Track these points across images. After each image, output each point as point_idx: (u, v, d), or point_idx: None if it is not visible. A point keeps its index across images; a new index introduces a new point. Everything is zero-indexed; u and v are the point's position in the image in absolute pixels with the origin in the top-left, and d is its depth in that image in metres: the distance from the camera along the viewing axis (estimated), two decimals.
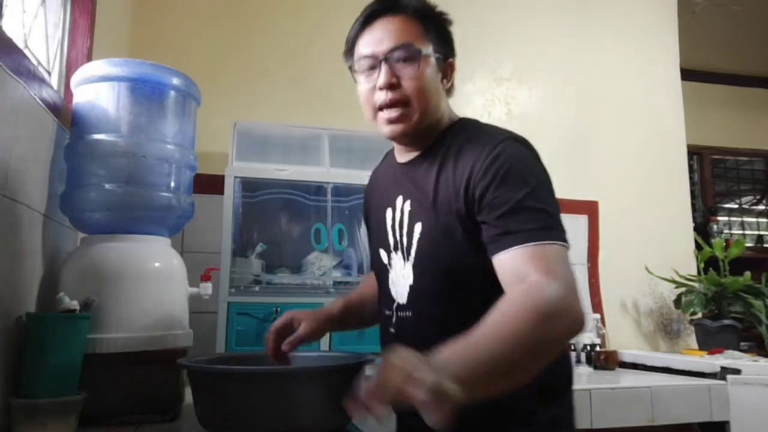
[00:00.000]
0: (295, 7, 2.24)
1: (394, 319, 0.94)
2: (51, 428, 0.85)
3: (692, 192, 2.98)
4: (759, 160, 3.78)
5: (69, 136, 1.16)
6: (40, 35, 1.29)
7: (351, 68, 0.93)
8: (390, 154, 1.04)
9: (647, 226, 2.43)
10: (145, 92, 1.14)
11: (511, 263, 0.77)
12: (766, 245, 3.68)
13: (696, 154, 3.49)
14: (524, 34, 2.47)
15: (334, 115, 2.10)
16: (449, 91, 0.95)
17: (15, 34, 1.10)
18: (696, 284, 2.20)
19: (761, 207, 3.80)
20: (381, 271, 0.98)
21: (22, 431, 0.85)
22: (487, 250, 0.80)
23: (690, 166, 2.78)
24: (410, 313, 0.91)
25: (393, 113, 0.87)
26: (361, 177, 1.70)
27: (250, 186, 1.67)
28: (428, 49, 0.88)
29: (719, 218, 3.46)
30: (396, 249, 0.94)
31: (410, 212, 0.91)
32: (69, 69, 1.38)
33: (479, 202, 0.81)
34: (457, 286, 0.85)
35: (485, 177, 0.81)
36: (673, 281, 2.26)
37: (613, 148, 2.48)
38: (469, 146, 0.86)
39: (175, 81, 1.18)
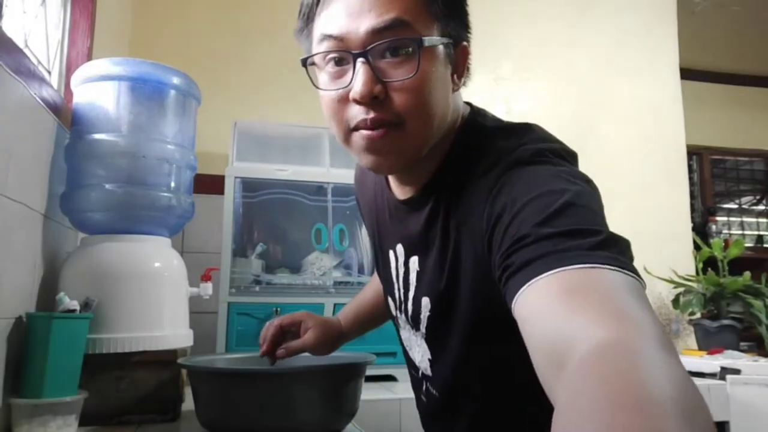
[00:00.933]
0: (295, 6, 2.23)
1: (423, 389, 0.76)
2: (51, 428, 0.85)
3: (691, 192, 2.98)
4: (759, 161, 3.78)
5: (69, 135, 1.16)
6: (40, 35, 1.28)
7: (305, 61, 0.61)
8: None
9: (646, 226, 2.43)
10: (145, 91, 1.14)
11: (535, 304, 0.43)
12: (765, 245, 3.69)
13: (695, 154, 3.49)
14: (524, 33, 2.47)
15: None
16: (459, 86, 0.65)
17: (15, 33, 1.10)
18: (695, 284, 2.20)
19: (761, 207, 3.80)
20: (393, 322, 0.81)
21: (23, 431, 0.85)
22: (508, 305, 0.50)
23: (689, 166, 2.78)
24: (438, 395, 0.72)
25: (376, 141, 0.57)
26: None
27: (250, 186, 1.67)
28: (433, 33, 0.57)
29: (718, 218, 3.46)
30: (401, 311, 0.74)
31: (419, 274, 0.67)
32: (69, 68, 1.38)
33: (497, 250, 0.53)
34: (483, 353, 0.63)
35: (493, 210, 0.55)
36: (672, 281, 2.26)
37: (613, 148, 2.48)
38: (476, 194, 0.58)
39: (176, 80, 1.18)
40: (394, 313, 0.77)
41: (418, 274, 0.67)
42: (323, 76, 0.60)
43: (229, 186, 1.59)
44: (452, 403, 0.69)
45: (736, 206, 3.76)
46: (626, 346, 0.32)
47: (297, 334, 0.90)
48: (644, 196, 2.47)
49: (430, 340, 0.68)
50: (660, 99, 2.61)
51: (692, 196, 3.08)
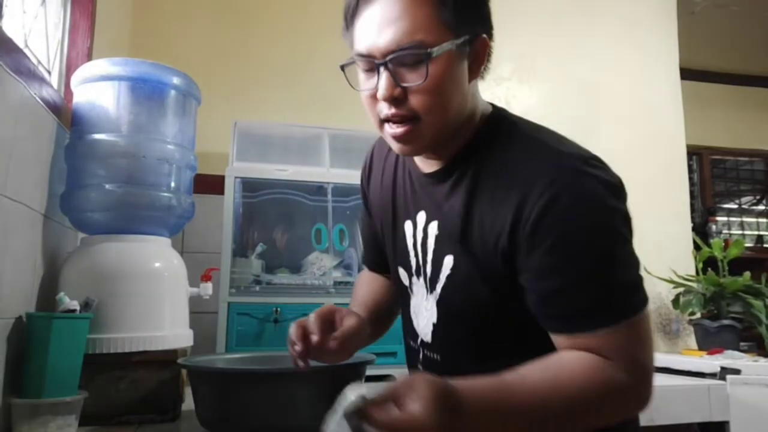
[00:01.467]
0: (295, 6, 2.23)
1: (420, 357, 0.82)
2: (51, 428, 0.85)
3: (691, 192, 2.98)
4: (759, 161, 3.78)
5: (69, 135, 1.16)
6: (40, 35, 1.28)
7: (343, 66, 0.73)
8: None
9: (646, 226, 2.42)
10: (145, 91, 1.14)
11: (575, 346, 0.64)
12: (765, 245, 3.69)
13: (695, 154, 3.49)
14: (524, 33, 2.47)
15: (334, 114, 2.10)
16: (482, 75, 0.74)
17: (15, 33, 1.10)
18: (694, 284, 2.20)
19: (761, 207, 3.80)
20: (402, 293, 0.85)
21: (23, 431, 0.85)
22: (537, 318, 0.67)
23: (689, 167, 2.78)
24: (438, 357, 0.79)
25: (399, 130, 0.69)
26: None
27: (250, 186, 1.67)
28: (442, 40, 0.65)
29: (718, 218, 3.46)
30: (418, 274, 0.79)
31: (437, 237, 0.75)
32: (69, 68, 1.38)
33: (525, 260, 0.64)
34: (494, 333, 0.72)
35: (536, 233, 0.63)
36: (671, 281, 2.25)
37: (613, 148, 2.45)
38: (511, 172, 0.67)
39: (176, 80, 1.18)
40: (406, 282, 0.82)
41: (437, 237, 0.74)
42: (361, 77, 0.72)
43: (229, 186, 1.59)
44: (452, 363, 0.76)
45: (736, 206, 3.76)
46: (621, 368, 0.62)
47: (334, 326, 0.79)
48: (644, 196, 2.46)
49: (442, 300, 0.75)
50: (660, 99, 2.61)
51: (692, 196, 3.08)
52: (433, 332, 0.77)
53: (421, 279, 0.78)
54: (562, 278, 0.63)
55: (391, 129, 0.70)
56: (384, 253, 0.90)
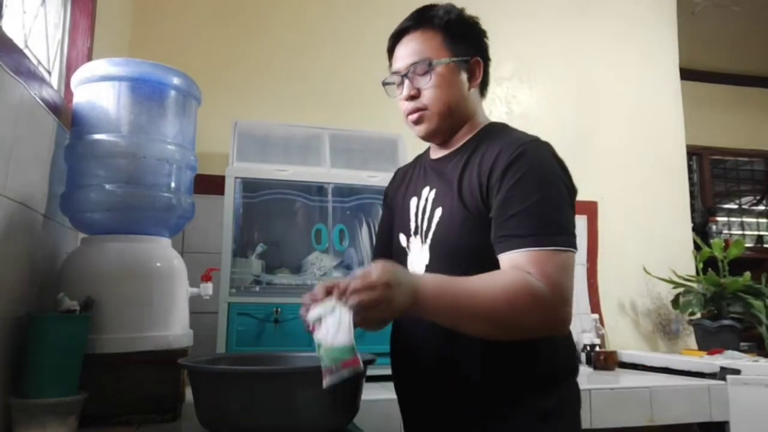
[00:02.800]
0: (295, 6, 2.23)
1: None
2: (51, 428, 0.85)
3: (691, 192, 2.98)
4: (759, 161, 3.78)
5: (69, 136, 1.16)
6: (41, 35, 1.28)
7: (384, 83, 1.07)
8: (423, 155, 1.13)
9: (646, 227, 2.43)
10: (145, 92, 1.14)
11: (513, 263, 0.84)
12: (766, 245, 3.69)
13: (695, 154, 3.49)
14: (524, 33, 2.47)
15: (334, 114, 2.10)
16: (483, 90, 1.05)
17: (15, 34, 1.10)
18: (694, 285, 2.20)
19: (761, 207, 3.80)
20: (400, 256, 1.04)
21: (23, 431, 0.85)
22: (494, 246, 0.88)
23: (689, 167, 2.77)
24: None
25: (414, 116, 1.01)
26: (362, 177, 1.70)
27: (250, 186, 1.67)
28: (444, 58, 0.98)
29: (718, 218, 3.46)
30: (416, 233, 1.01)
31: (433, 199, 0.99)
32: (69, 69, 1.38)
33: (495, 196, 0.88)
34: (470, 267, 0.87)
35: (504, 174, 0.88)
36: (671, 281, 2.26)
37: (613, 149, 2.48)
38: (495, 143, 0.94)
39: (176, 80, 1.18)
40: (404, 243, 1.04)
41: (433, 200, 0.99)
42: (396, 90, 1.04)
43: (230, 186, 1.59)
44: None
45: (736, 206, 3.76)
46: (542, 281, 0.81)
47: None
48: (644, 196, 2.47)
49: (433, 245, 0.96)
50: (660, 99, 2.61)
51: (692, 197, 3.08)
52: (425, 272, 0.96)
53: (418, 236, 1.01)
54: (514, 207, 0.85)
55: (411, 117, 1.01)
56: (390, 246, 1.10)
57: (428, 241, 0.97)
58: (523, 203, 0.85)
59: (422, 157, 1.13)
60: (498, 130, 1.00)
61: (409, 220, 1.04)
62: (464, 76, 1.00)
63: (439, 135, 1.02)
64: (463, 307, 0.81)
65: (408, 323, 0.98)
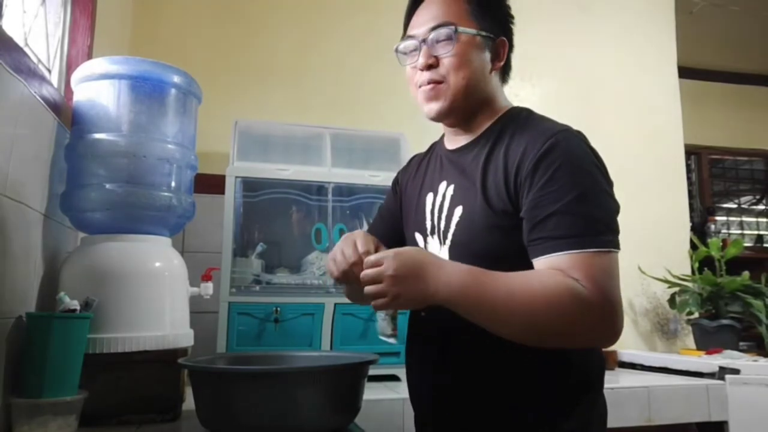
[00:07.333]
0: (296, 5, 2.23)
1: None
2: (51, 428, 0.85)
3: (690, 192, 2.98)
4: (758, 160, 3.78)
5: (69, 135, 1.16)
6: (41, 33, 1.28)
7: (396, 50, 0.93)
8: (437, 143, 1.02)
9: (644, 226, 2.43)
10: (145, 90, 1.13)
11: (553, 267, 0.75)
12: (765, 245, 3.69)
13: (694, 153, 3.49)
14: (525, 33, 2.44)
15: (335, 114, 2.10)
16: (504, 76, 0.96)
17: (15, 32, 1.10)
18: (690, 284, 2.20)
19: (761, 207, 3.81)
20: None
21: (23, 431, 0.84)
22: (527, 249, 0.79)
23: (688, 166, 2.78)
24: None
25: (428, 87, 0.88)
26: (363, 177, 1.70)
27: (251, 186, 1.67)
28: (469, 28, 0.87)
29: (717, 218, 3.46)
30: (433, 233, 0.92)
31: (452, 196, 0.89)
32: (69, 67, 1.38)
33: (526, 195, 0.79)
34: (498, 252, 0.82)
35: (536, 170, 0.78)
36: (666, 281, 2.26)
37: (611, 148, 2.45)
38: (522, 133, 0.84)
39: (176, 79, 1.18)
40: (421, 244, 0.95)
41: (452, 197, 0.90)
42: (405, 58, 0.92)
43: (230, 186, 1.59)
44: None
45: (735, 206, 3.76)
46: (587, 287, 0.72)
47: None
48: (643, 196, 2.47)
49: (453, 246, 0.87)
50: (658, 98, 2.61)
51: (691, 196, 3.09)
52: None
53: (435, 236, 0.91)
54: (550, 206, 0.76)
55: (424, 91, 0.89)
56: (384, 232, 1.01)
57: (447, 242, 0.88)
58: (560, 201, 0.75)
59: (436, 147, 1.01)
60: (523, 117, 0.89)
61: (424, 219, 0.94)
62: (488, 56, 0.89)
63: (452, 116, 0.90)
64: (498, 306, 0.73)
65: (425, 316, 0.92)
